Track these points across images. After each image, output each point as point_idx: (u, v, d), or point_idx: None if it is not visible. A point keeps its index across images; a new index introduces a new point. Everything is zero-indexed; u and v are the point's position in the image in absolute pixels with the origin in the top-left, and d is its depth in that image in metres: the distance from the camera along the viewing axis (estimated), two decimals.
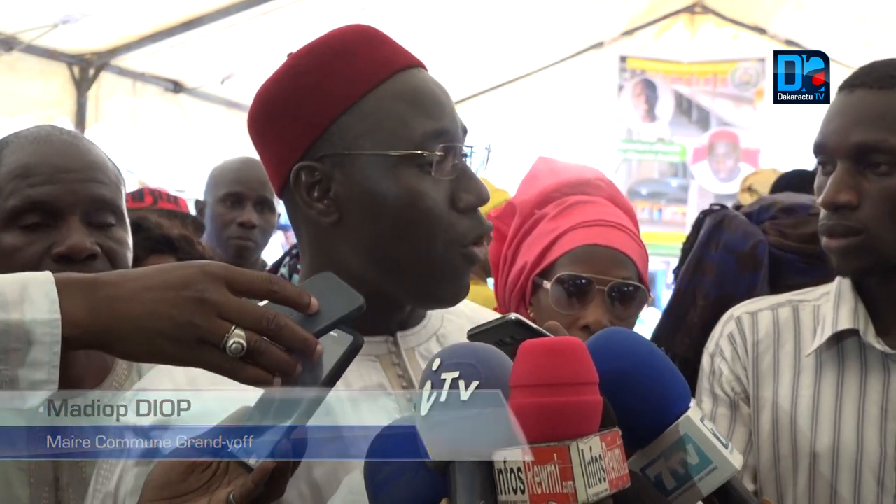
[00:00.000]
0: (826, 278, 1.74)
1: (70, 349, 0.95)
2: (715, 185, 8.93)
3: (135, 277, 0.98)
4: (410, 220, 1.18)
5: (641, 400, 1.06)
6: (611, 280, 1.79)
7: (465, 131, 1.25)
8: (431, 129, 1.19)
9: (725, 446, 1.08)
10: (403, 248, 1.19)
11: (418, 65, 1.26)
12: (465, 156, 1.25)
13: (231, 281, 0.98)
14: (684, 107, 9.18)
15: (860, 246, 1.50)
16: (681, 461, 1.07)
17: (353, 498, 1.08)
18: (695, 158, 9.06)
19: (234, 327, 0.96)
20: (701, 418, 1.09)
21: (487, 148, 1.27)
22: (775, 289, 2.00)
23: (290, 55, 1.26)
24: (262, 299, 1.00)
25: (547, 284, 1.81)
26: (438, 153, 1.18)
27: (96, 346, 0.97)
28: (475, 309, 1.42)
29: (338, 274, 1.22)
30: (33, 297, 0.94)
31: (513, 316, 1.09)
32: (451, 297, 1.25)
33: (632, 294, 1.81)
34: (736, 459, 1.08)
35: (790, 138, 7.93)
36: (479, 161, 1.26)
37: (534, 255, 1.86)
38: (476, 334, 1.10)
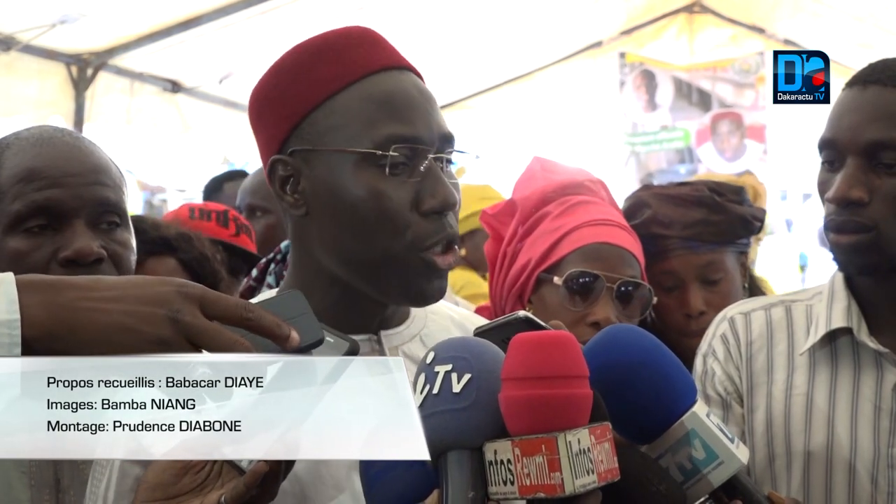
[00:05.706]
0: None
1: (31, 351, 0.93)
2: (722, 165, 8.53)
3: (108, 287, 0.96)
4: (369, 218, 1.20)
5: (648, 395, 1.07)
6: (619, 278, 1.82)
7: (447, 138, 1.24)
8: (398, 132, 1.20)
9: (731, 441, 1.09)
10: (365, 246, 1.21)
11: (404, 66, 1.26)
12: (448, 161, 1.25)
13: (207, 304, 0.96)
14: (684, 91, 8.84)
15: (870, 243, 1.50)
16: (687, 456, 1.08)
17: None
18: (698, 141, 8.77)
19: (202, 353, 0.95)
20: (707, 413, 1.09)
21: (477, 156, 1.27)
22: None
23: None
24: (236, 326, 0.97)
25: (557, 280, 1.82)
26: (394, 154, 1.19)
27: (58, 349, 0.94)
28: (462, 313, 1.43)
29: (313, 269, 1.24)
30: None
31: (521, 313, 1.10)
32: (419, 297, 1.25)
33: (639, 293, 1.84)
34: (742, 454, 1.09)
35: (795, 118, 7.72)
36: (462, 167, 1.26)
37: (539, 252, 1.87)
38: (484, 331, 1.10)
